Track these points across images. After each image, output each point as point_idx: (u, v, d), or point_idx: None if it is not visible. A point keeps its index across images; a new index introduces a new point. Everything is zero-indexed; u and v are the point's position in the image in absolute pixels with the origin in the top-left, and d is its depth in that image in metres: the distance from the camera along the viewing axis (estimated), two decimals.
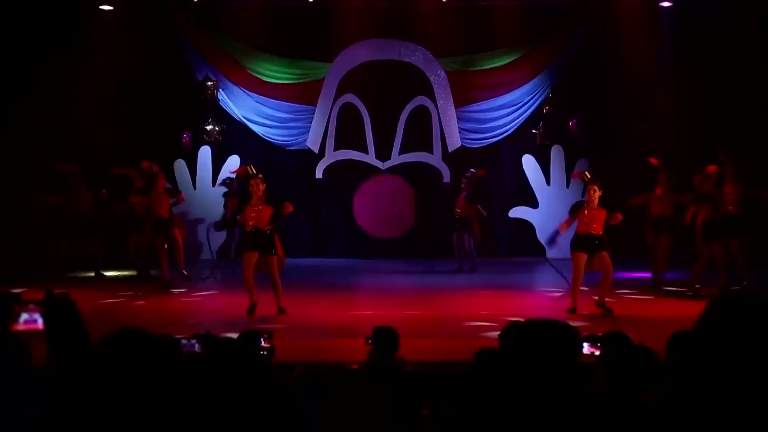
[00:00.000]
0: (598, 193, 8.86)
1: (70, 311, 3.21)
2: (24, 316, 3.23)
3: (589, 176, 9.19)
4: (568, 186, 13.88)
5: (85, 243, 11.96)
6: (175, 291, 10.39)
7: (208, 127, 14.00)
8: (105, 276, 11.82)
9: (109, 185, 12.07)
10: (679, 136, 12.41)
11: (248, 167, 9.16)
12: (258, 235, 8.79)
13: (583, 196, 10.42)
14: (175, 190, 11.45)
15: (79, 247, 12.00)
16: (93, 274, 11.84)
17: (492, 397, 2.44)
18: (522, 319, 3.08)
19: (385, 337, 4.54)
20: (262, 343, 4.82)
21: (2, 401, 2.39)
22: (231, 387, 3.09)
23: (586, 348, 3.65)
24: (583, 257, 8.83)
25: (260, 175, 8.89)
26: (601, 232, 8.81)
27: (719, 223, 10.25)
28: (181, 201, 11.32)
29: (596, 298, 8.92)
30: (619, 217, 8.87)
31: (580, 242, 8.86)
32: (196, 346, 3.74)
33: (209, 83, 13.94)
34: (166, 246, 10.80)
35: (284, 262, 9.06)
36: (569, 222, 9.15)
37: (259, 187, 8.81)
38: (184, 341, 3.69)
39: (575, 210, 9.08)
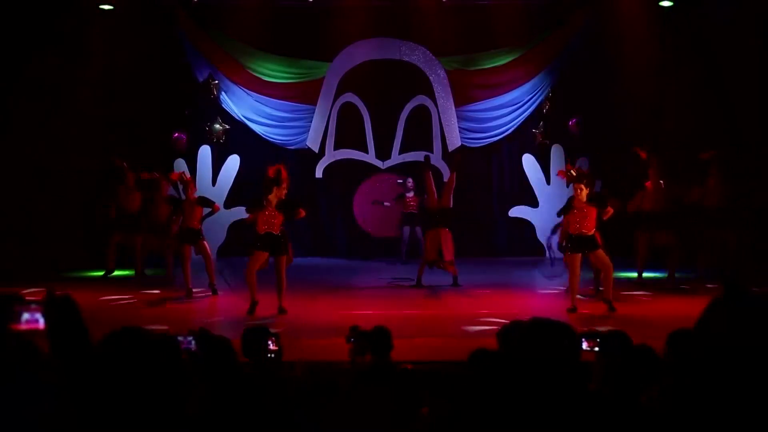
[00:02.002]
0: (585, 191, 8.80)
1: (70, 311, 3.21)
2: (25, 316, 3.23)
3: (574, 174, 9.14)
4: (568, 185, 13.84)
5: (128, 241, 11.87)
6: (197, 296, 10.15)
7: (216, 126, 14.00)
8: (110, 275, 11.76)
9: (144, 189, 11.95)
10: (677, 135, 12.42)
11: (280, 169, 9.12)
12: (269, 238, 8.85)
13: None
14: (209, 200, 10.51)
15: (126, 243, 11.89)
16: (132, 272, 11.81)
17: (486, 397, 2.44)
18: (520, 319, 3.08)
19: (366, 337, 4.52)
20: (270, 346, 4.82)
21: (3, 400, 2.38)
22: (227, 383, 3.09)
23: (585, 344, 3.65)
24: (578, 258, 8.84)
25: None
26: (593, 231, 8.79)
27: (643, 218, 10.71)
28: (216, 211, 10.47)
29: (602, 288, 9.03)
30: (611, 211, 8.88)
31: (574, 243, 8.85)
32: (193, 343, 3.74)
33: (213, 83, 13.93)
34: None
35: (292, 259, 9.15)
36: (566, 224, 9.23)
37: (283, 191, 8.87)
38: (180, 339, 3.70)
39: (565, 212, 9.13)
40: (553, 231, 9.82)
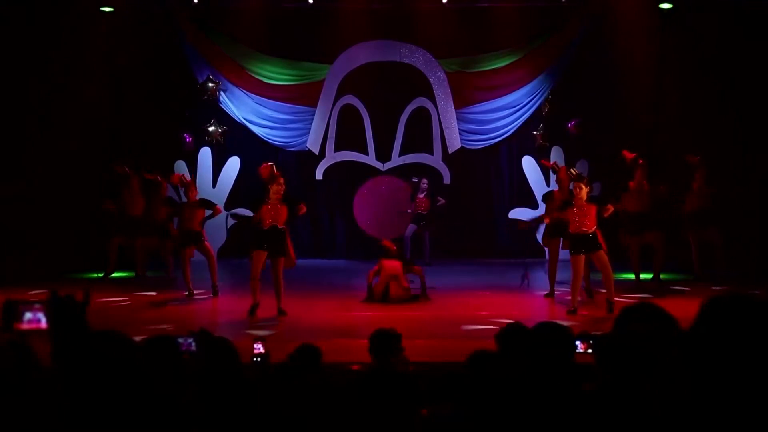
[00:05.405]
0: (585, 190, 8.90)
1: (74, 311, 3.22)
2: (28, 316, 3.24)
3: (574, 174, 9.25)
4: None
5: (129, 243, 11.87)
6: (198, 297, 10.20)
7: (211, 128, 14.00)
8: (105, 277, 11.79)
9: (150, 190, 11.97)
10: (677, 136, 12.44)
11: (272, 166, 9.20)
12: (272, 234, 8.87)
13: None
14: (210, 202, 10.50)
15: (127, 245, 11.89)
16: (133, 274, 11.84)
17: (485, 398, 2.46)
18: (520, 321, 3.10)
19: (382, 340, 4.55)
20: (258, 349, 4.84)
21: (5, 401, 2.40)
22: (227, 384, 3.10)
23: (579, 347, 3.67)
24: (582, 259, 8.86)
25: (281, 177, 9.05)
26: (593, 229, 8.85)
27: (632, 220, 10.76)
28: (218, 213, 10.45)
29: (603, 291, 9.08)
30: (611, 208, 8.98)
31: (576, 243, 8.89)
32: (193, 344, 3.76)
33: (210, 84, 13.93)
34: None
35: (294, 262, 9.16)
36: (553, 215, 9.39)
37: (281, 187, 8.93)
38: (180, 340, 3.71)
39: (547, 198, 9.39)
40: (532, 227, 10.08)
